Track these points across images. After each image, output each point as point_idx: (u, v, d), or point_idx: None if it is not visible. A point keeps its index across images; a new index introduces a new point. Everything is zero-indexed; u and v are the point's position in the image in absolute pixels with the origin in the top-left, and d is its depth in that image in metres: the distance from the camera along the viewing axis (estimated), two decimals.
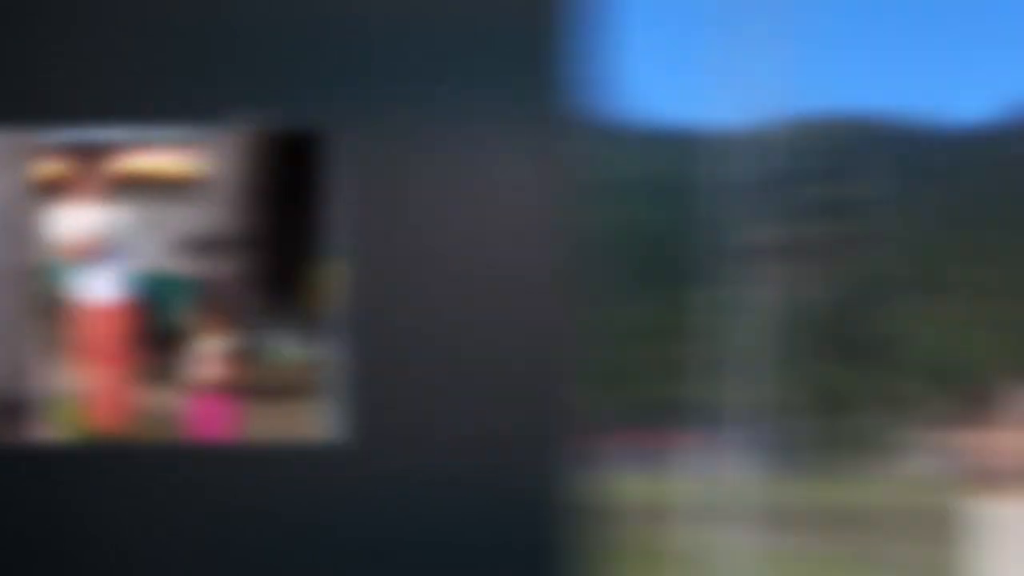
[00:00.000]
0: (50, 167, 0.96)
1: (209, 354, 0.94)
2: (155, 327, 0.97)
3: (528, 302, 0.94)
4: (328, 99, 0.94)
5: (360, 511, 0.94)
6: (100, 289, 0.98)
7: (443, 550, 0.95)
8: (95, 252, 0.97)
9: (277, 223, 0.95)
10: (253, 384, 0.95)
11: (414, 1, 0.95)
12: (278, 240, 0.95)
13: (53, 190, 0.96)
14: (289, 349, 0.95)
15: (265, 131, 0.94)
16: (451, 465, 0.94)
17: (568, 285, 0.95)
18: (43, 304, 0.97)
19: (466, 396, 0.94)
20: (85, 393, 0.96)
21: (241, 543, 0.94)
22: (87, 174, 0.97)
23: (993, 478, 7.49)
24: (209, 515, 0.94)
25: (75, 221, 0.97)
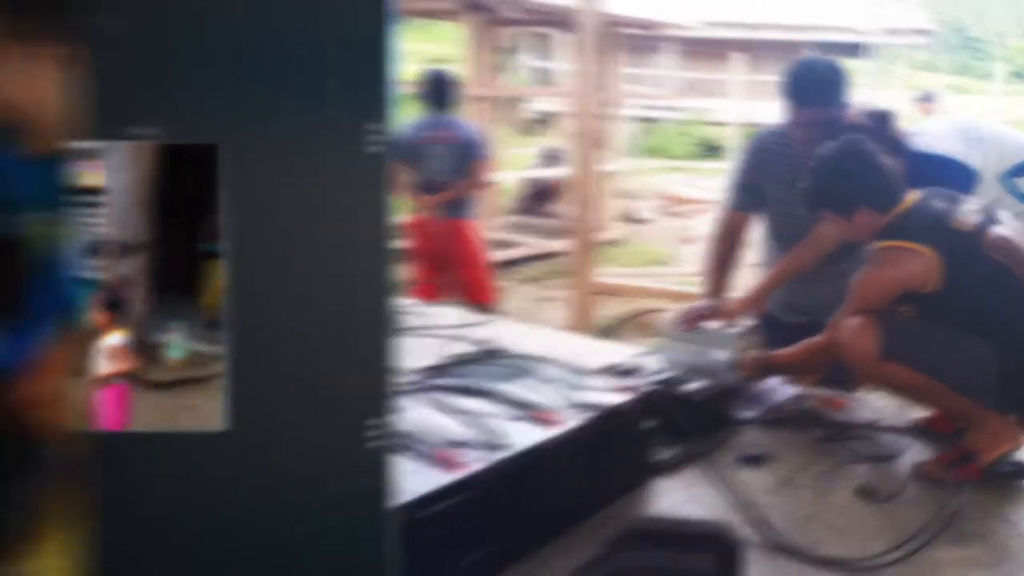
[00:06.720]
0: None
1: (110, 350, 1.01)
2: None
3: (364, 302, 1.01)
4: (215, 115, 0.98)
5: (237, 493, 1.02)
6: None
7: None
8: None
9: (169, 228, 1.01)
10: (150, 377, 1.01)
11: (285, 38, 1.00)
12: (171, 244, 1.02)
13: None
14: (182, 345, 1.01)
15: (159, 144, 0.99)
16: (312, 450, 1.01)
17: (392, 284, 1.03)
18: None
19: (322, 387, 1.02)
20: None
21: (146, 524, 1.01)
22: None
23: None
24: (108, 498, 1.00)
25: None
